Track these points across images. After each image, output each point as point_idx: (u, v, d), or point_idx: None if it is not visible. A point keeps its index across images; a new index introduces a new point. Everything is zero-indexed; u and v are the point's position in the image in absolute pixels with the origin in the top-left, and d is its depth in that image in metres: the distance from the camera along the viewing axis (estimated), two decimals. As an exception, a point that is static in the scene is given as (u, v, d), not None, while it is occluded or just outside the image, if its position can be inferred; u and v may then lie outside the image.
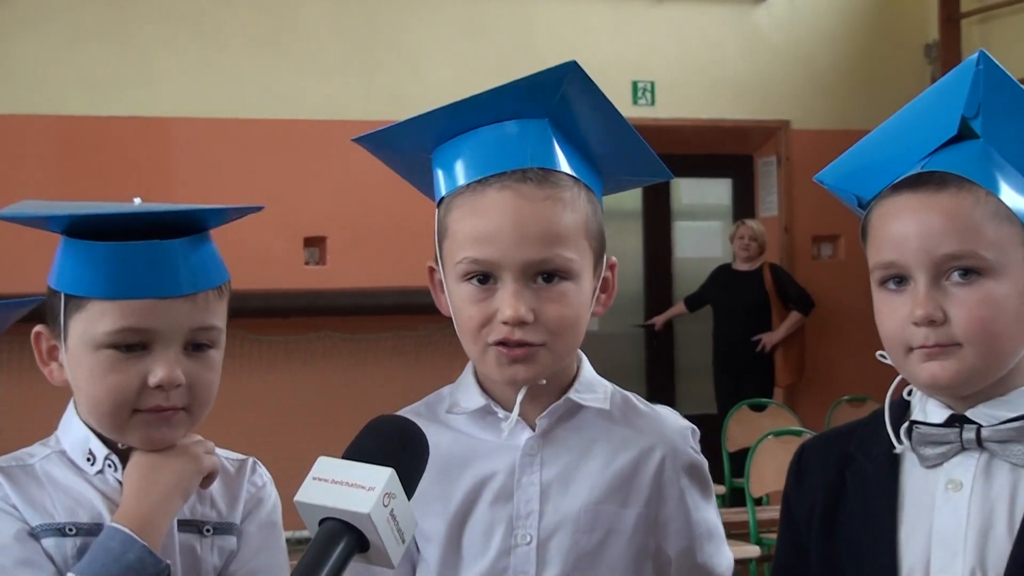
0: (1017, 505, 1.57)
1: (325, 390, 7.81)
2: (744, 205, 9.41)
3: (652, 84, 8.69)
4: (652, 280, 9.32)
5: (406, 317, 7.87)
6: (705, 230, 9.61)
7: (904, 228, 1.58)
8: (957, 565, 1.57)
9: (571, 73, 1.67)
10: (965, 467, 1.60)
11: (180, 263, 1.68)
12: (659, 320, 8.98)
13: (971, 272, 1.55)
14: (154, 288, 1.66)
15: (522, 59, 8.40)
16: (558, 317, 1.66)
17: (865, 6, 9.13)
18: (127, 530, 1.60)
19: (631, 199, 9.24)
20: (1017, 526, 1.56)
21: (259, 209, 1.77)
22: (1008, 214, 1.57)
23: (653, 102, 8.68)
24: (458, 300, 1.70)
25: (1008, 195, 1.58)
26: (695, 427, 1.83)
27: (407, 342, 7.99)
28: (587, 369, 1.80)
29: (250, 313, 7.48)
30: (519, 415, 1.72)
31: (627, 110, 8.77)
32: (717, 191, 9.64)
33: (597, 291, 1.74)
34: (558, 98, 1.68)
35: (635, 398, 1.83)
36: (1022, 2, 8.55)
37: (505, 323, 1.65)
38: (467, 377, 1.79)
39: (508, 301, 1.64)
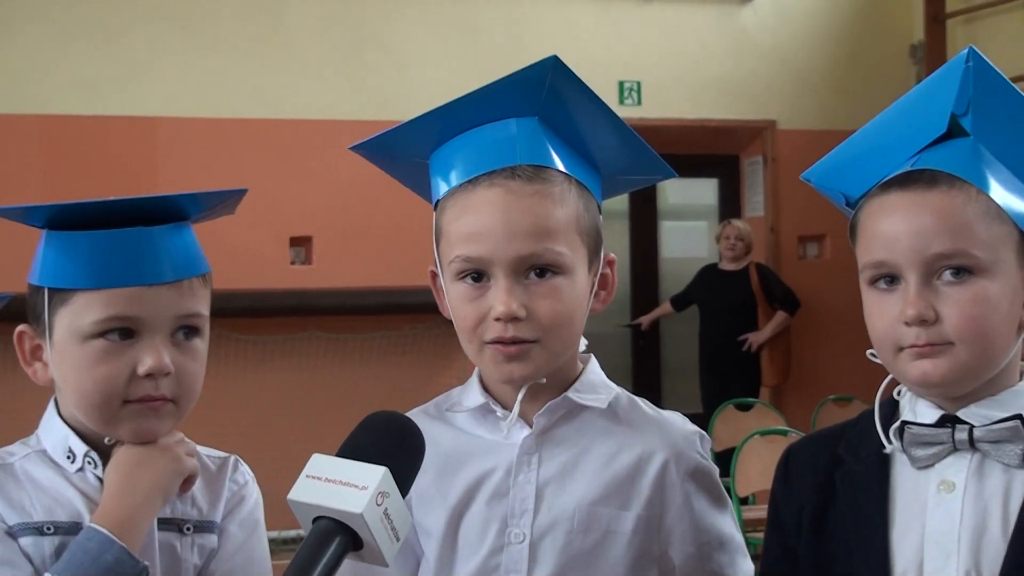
0: (1011, 506, 1.55)
1: (311, 390, 7.79)
2: (730, 205, 9.42)
3: (638, 84, 8.69)
4: (639, 280, 9.32)
5: (392, 317, 7.86)
6: (691, 230, 9.62)
7: (895, 227, 1.57)
8: (951, 567, 1.56)
9: (553, 67, 1.67)
10: (957, 468, 1.58)
11: (163, 250, 1.69)
12: (645, 320, 8.98)
13: (963, 271, 1.54)
14: (139, 275, 1.67)
15: (510, 58, 8.36)
16: (551, 312, 1.66)
17: (851, 7, 9.15)
18: (105, 531, 1.60)
19: (618, 199, 9.18)
20: (1012, 527, 1.54)
21: (241, 193, 1.77)
22: (999, 213, 1.56)
23: (640, 102, 8.69)
24: (454, 300, 1.70)
25: (999, 193, 1.56)
26: (704, 433, 1.81)
27: (393, 342, 7.99)
28: (593, 371, 1.79)
29: (236, 313, 7.46)
30: (520, 414, 1.73)
31: (614, 110, 8.76)
32: (703, 191, 9.65)
33: (595, 287, 1.74)
34: (545, 95, 1.69)
35: (643, 402, 1.82)
36: (1007, 2, 8.57)
37: (498, 319, 1.65)
38: (473, 376, 1.80)
39: (500, 297, 1.65)
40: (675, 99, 8.74)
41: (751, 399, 7.68)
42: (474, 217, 1.67)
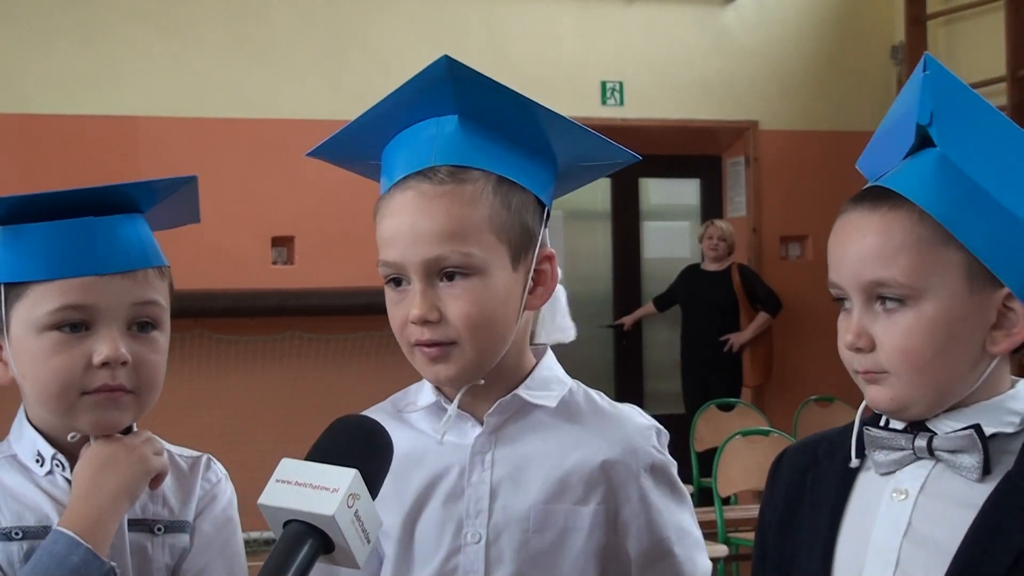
0: (962, 519, 1.47)
1: (293, 390, 7.79)
2: (712, 205, 9.43)
3: (621, 84, 8.70)
4: (621, 280, 9.34)
5: (374, 317, 7.79)
6: (674, 230, 9.64)
7: (841, 248, 1.52)
8: None
9: (447, 67, 1.65)
10: (915, 476, 1.51)
11: (116, 240, 1.69)
12: (628, 320, 9.01)
13: (895, 299, 1.47)
14: (92, 265, 1.67)
15: (492, 60, 8.40)
16: (462, 314, 1.64)
17: (832, 7, 9.17)
18: (71, 533, 1.60)
19: (600, 199, 9.25)
20: (958, 542, 1.46)
21: (192, 179, 1.77)
22: (946, 237, 1.46)
23: (622, 102, 8.69)
24: (387, 303, 1.71)
25: (951, 214, 1.47)
26: (661, 427, 1.79)
27: (375, 342, 7.98)
28: (546, 367, 1.77)
29: (218, 313, 7.45)
30: (472, 413, 1.72)
31: (596, 110, 8.78)
32: (685, 191, 9.66)
33: (529, 284, 1.71)
34: (455, 92, 1.67)
35: (600, 397, 1.80)
36: (988, 3, 8.61)
37: (414, 323, 1.65)
38: None
39: (414, 301, 1.65)
40: (657, 100, 8.75)
41: (733, 399, 7.70)
42: (387, 221, 1.68)
